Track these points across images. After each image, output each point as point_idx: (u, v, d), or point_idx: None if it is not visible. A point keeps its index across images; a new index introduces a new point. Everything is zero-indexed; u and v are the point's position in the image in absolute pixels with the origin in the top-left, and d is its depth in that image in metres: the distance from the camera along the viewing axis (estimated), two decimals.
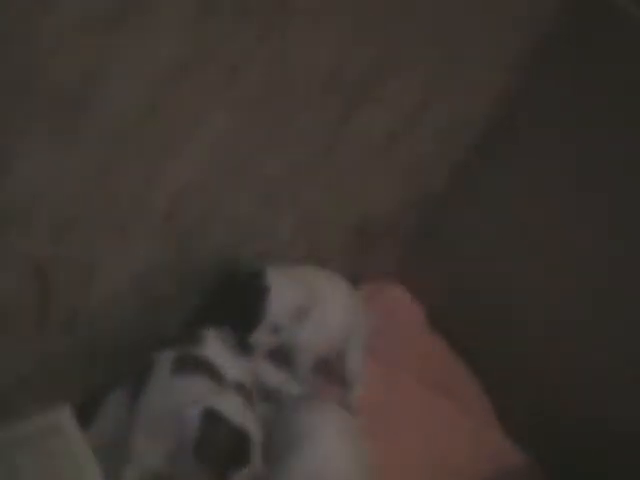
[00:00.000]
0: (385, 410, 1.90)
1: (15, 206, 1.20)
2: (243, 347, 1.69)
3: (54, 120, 1.13)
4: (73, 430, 1.54)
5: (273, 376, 1.78)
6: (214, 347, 1.65)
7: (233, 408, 1.49)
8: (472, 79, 1.73)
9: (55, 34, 1.03)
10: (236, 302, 1.71)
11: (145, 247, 1.49)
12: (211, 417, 1.46)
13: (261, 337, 1.67)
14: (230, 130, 1.39)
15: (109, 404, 1.66)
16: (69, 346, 1.54)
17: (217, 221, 1.60)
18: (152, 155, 1.32)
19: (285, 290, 1.69)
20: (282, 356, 1.79)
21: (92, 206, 1.32)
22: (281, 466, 1.59)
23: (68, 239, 1.33)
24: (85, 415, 1.61)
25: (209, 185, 1.49)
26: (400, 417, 1.92)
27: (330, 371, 1.89)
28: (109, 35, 1.09)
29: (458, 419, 1.98)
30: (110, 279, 1.49)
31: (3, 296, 1.33)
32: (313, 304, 1.72)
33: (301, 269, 1.81)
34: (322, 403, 1.75)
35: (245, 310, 1.70)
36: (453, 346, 2.12)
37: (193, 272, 1.67)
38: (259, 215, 1.69)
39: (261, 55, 1.31)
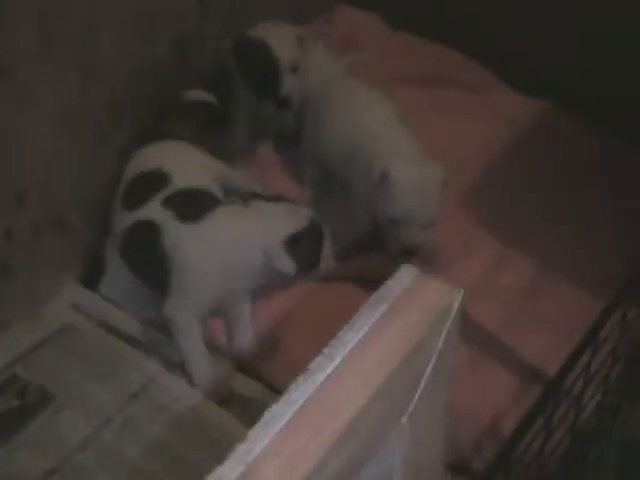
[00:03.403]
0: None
1: None
2: (281, 104, 1.89)
3: None
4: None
5: None
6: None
7: None
8: None
9: None
10: (248, 73, 1.89)
11: None
12: None
13: (289, 83, 1.88)
14: None
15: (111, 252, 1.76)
16: None
17: None
18: None
19: (275, 32, 1.89)
20: None
21: None
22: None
23: None
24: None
25: None
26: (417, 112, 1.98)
27: None
28: None
29: (469, 101, 2.12)
30: None
31: None
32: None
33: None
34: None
35: (260, 72, 1.87)
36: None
37: None
38: None
39: None
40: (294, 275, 1.57)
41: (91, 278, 1.78)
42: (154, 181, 1.67)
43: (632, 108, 1.96)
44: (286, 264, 1.54)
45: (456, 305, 0.74)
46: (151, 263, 1.63)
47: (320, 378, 0.67)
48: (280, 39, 1.87)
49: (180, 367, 1.63)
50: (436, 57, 2.20)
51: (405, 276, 0.75)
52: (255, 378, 1.63)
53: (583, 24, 2.00)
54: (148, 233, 1.62)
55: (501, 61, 2.15)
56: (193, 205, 1.63)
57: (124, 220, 1.67)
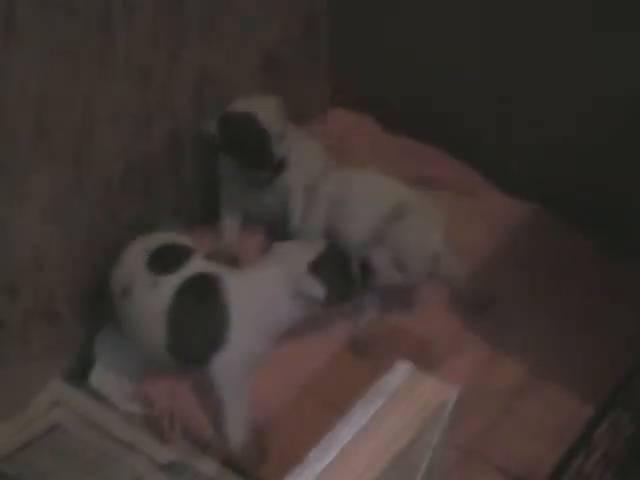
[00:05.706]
0: None
1: None
2: (277, 169, 1.89)
3: None
4: None
5: None
6: None
7: None
8: None
9: None
10: (237, 147, 1.88)
11: None
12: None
13: (280, 149, 1.87)
14: None
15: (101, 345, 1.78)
16: None
17: None
18: None
19: (257, 103, 1.90)
20: None
21: None
22: None
23: None
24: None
25: None
26: None
27: None
28: None
29: (460, 203, 2.13)
30: None
31: None
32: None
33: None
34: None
35: (251, 143, 1.87)
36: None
37: None
38: None
39: None
40: (330, 301, 1.63)
41: (79, 370, 1.77)
42: (180, 250, 1.69)
43: (618, 205, 2.02)
44: (315, 287, 1.60)
45: (452, 402, 0.74)
46: (206, 316, 1.63)
47: (316, 470, 0.67)
48: (263, 109, 1.90)
49: (166, 467, 1.62)
50: (428, 159, 2.23)
51: (401, 372, 0.75)
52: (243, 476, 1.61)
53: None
54: (208, 284, 1.63)
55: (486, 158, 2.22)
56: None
57: (158, 283, 1.63)
